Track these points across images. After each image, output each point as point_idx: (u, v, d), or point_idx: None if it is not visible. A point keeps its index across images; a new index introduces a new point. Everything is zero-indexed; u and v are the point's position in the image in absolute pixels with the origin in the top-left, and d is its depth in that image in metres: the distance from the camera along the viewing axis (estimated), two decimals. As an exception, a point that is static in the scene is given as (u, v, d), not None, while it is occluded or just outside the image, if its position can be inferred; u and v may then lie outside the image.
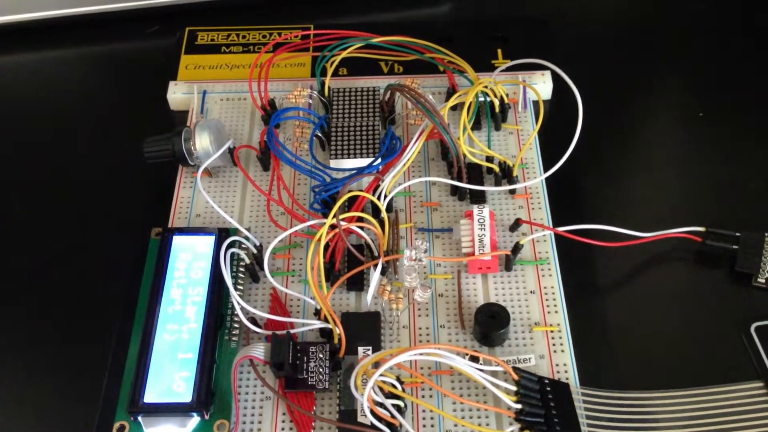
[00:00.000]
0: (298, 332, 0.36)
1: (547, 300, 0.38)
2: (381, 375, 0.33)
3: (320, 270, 0.36)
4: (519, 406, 0.32)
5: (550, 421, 0.33)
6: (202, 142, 0.41)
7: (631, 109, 0.48)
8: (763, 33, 0.52)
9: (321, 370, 0.35)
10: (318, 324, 0.36)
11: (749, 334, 0.37)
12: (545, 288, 0.38)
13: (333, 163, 0.42)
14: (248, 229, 0.40)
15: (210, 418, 0.34)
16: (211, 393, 0.34)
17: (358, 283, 0.38)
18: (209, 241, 0.38)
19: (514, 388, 0.33)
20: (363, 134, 0.43)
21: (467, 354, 0.34)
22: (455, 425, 0.34)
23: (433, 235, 0.40)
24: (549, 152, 0.43)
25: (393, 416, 0.32)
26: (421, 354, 0.32)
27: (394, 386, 0.33)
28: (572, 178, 0.43)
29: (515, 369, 0.33)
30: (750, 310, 0.38)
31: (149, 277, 0.37)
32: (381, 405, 0.32)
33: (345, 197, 0.38)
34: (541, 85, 0.46)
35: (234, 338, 0.36)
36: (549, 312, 0.38)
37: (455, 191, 0.42)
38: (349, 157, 0.42)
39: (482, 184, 0.41)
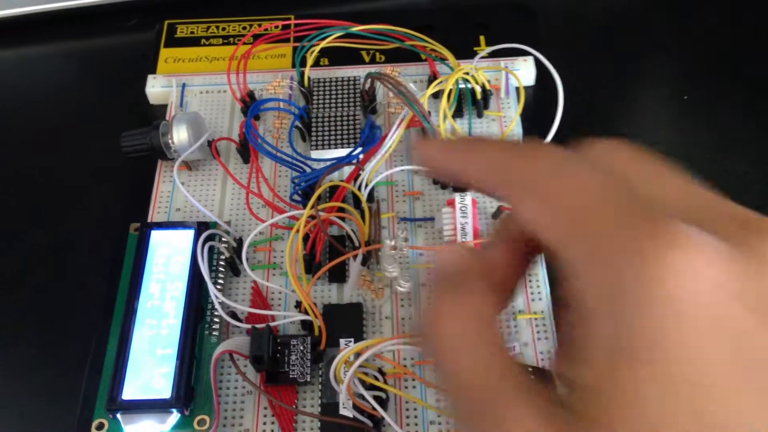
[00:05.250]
0: (280, 325, 0.36)
1: (531, 287, 0.38)
2: (362, 367, 0.32)
3: (300, 261, 0.35)
4: (501, 395, 0.32)
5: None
6: (179, 135, 0.40)
7: (617, 93, 0.47)
8: (749, 17, 0.51)
9: (302, 362, 0.34)
10: (298, 316, 0.35)
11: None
12: (529, 275, 0.38)
13: (314, 154, 0.42)
14: (228, 223, 0.39)
15: (190, 414, 0.33)
16: (191, 388, 0.34)
17: (339, 275, 0.38)
18: (188, 235, 0.37)
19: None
20: (344, 124, 0.43)
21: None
22: (438, 416, 0.34)
23: (415, 224, 0.40)
24: (531, 135, 0.43)
25: (374, 408, 0.31)
26: (400, 344, 0.32)
27: (375, 378, 0.32)
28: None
29: (498, 358, 0.33)
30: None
31: (128, 273, 0.37)
32: (362, 397, 0.32)
33: (324, 187, 0.37)
34: (524, 71, 0.46)
35: (214, 333, 0.36)
36: (533, 300, 0.37)
37: (437, 180, 0.41)
38: (330, 148, 0.42)
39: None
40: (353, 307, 0.37)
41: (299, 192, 0.39)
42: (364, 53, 0.48)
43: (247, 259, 0.38)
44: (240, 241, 0.38)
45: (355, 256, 0.37)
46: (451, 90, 0.42)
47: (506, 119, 0.44)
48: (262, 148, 0.40)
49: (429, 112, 0.41)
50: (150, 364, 0.34)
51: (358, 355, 0.32)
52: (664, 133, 0.46)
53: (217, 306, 0.35)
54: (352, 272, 0.37)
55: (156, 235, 0.38)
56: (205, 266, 0.35)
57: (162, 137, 0.40)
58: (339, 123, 0.43)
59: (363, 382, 0.32)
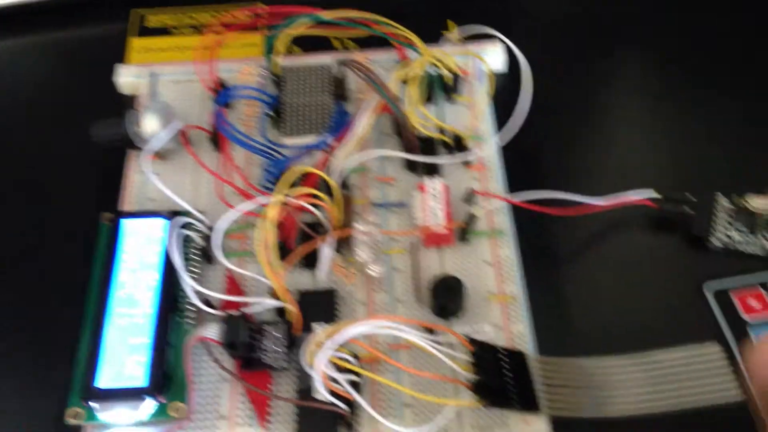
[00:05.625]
0: (255, 312, 0.36)
1: (503, 270, 0.38)
2: (336, 351, 0.32)
3: (273, 248, 0.35)
4: (473, 376, 0.32)
5: (506, 390, 0.32)
6: (149, 124, 0.40)
7: (589, 77, 0.48)
8: (724, 8, 0.51)
9: (277, 348, 0.35)
10: (273, 303, 0.35)
11: (705, 296, 0.38)
12: (502, 258, 0.38)
13: (285, 141, 0.42)
14: (202, 212, 0.39)
15: (166, 401, 0.34)
16: (166, 376, 0.34)
17: (313, 261, 0.38)
18: (160, 224, 0.38)
19: (469, 359, 0.33)
20: (316, 111, 0.43)
21: (422, 326, 0.34)
22: (413, 398, 0.34)
23: (387, 209, 0.40)
24: (505, 124, 0.43)
25: (347, 391, 0.31)
26: (371, 327, 0.32)
27: (349, 362, 0.33)
28: (529, 149, 0.43)
29: (470, 340, 0.33)
30: (706, 272, 0.38)
31: (100, 263, 0.37)
32: (336, 381, 0.32)
33: (294, 173, 0.37)
34: (494, 56, 0.46)
35: (189, 321, 0.36)
36: (506, 282, 0.37)
37: (409, 165, 0.42)
38: (301, 135, 0.42)
39: (436, 156, 0.41)
40: (327, 293, 0.37)
41: (270, 179, 0.39)
42: (335, 40, 0.48)
43: (222, 248, 0.38)
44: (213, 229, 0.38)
45: (326, 242, 0.37)
46: (420, 75, 0.42)
47: (477, 104, 0.44)
48: (233, 136, 0.40)
49: (399, 99, 0.41)
50: (124, 353, 0.34)
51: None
52: (636, 115, 0.46)
53: (189, 293, 0.35)
54: (322, 258, 0.37)
55: (128, 225, 0.38)
56: (178, 255, 0.35)
57: (132, 127, 0.40)
58: (310, 110, 0.43)
59: (337, 366, 0.32)
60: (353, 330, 0.31)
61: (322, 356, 0.31)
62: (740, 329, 0.36)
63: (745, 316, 0.37)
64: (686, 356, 0.35)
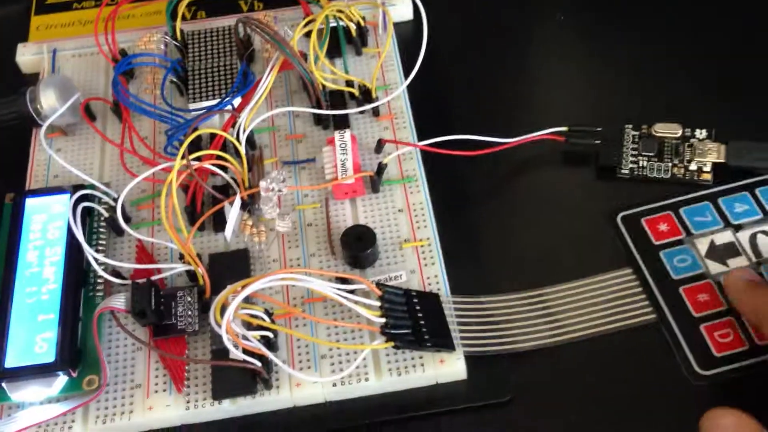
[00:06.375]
0: (167, 279, 0.36)
1: (416, 216, 0.38)
2: (248, 309, 0.32)
3: (178, 213, 0.35)
4: (383, 320, 0.32)
5: (417, 331, 0.33)
6: (47, 100, 0.39)
7: (497, 22, 0.48)
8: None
9: (190, 313, 0.34)
10: (181, 267, 0.35)
11: (616, 224, 0.38)
12: (413, 204, 0.38)
13: (192, 106, 0.41)
14: (108, 184, 0.39)
15: (78, 375, 0.33)
16: (77, 351, 0.34)
17: (224, 224, 0.38)
18: (64, 199, 0.37)
19: (379, 304, 0.33)
20: (222, 74, 0.42)
21: (333, 277, 0.34)
22: (330, 349, 0.34)
23: (298, 167, 0.40)
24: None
25: (258, 347, 0.31)
26: (273, 280, 0.31)
27: (262, 319, 0.32)
28: (439, 95, 0.43)
29: (378, 285, 0.33)
30: (616, 201, 0.39)
31: (4, 243, 0.36)
32: (247, 338, 0.32)
33: (193, 136, 0.37)
34: (402, 6, 0.46)
35: (99, 294, 0.36)
36: (418, 228, 0.37)
37: (319, 120, 0.41)
38: (208, 99, 0.41)
39: (345, 110, 0.41)
40: (240, 253, 0.37)
41: (174, 144, 0.38)
42: (241, 2, 0.48)
43: (129, 219, 0.38)
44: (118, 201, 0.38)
45: (231, 203, 0.36)
46: (321, 28, 0.41)
47: (386, 55, 0.44)
48: (133, 104, 0.39)
49: (305, 55, 0.41)
50: (32, 331, 0.33)
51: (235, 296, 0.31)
52: (540, 52, 0.46)
53: (95, 266, 0.34)
54: (229, 219, 0.36)
55: (32, 203, 0.37)
56: (79, 228, 0.35)
57: (30, 104, 0.39)
58: (216, 73, 0.42)
59: (249, 325, 0.32)
60: (256, 285, 0.31)
61: (228, 314, 0.31)
62: (652, 253, 0.37)
63: (655, 241, 0.37)
64: (600, 283, 0.36)
